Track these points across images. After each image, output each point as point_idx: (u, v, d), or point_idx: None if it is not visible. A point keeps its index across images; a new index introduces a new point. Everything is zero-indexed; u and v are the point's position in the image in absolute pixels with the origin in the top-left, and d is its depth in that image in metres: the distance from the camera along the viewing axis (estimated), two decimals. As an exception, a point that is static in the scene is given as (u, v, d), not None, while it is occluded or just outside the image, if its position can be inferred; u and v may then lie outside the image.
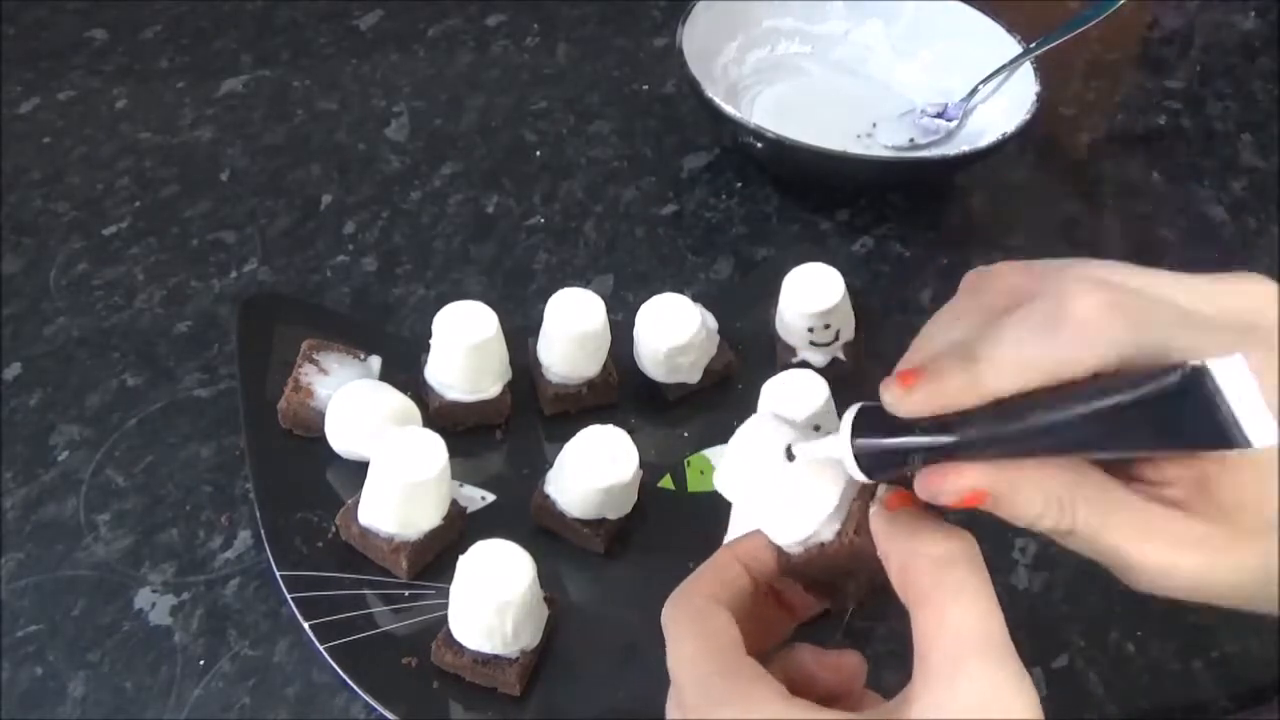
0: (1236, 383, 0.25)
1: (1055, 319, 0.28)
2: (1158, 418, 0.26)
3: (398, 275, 0.68)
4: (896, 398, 0.29)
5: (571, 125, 0.81)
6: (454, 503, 0.52)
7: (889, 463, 0.31)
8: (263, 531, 0.51)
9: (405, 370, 0.58)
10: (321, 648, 0.48)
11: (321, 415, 0.54)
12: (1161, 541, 0.29)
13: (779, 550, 0.36)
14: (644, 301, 0.59)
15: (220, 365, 0.61)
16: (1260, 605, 0.31)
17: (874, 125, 0.81)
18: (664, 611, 0.35)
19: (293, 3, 0.92)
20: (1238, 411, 0.25)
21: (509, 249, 0.71)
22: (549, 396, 0.58)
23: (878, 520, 0.32)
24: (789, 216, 0.75)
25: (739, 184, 0.77)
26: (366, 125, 0.80)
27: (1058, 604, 0.54)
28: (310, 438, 0.55)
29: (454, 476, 0.52)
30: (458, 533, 0.52)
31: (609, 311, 0.57)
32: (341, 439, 0.54)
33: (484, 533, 0.47)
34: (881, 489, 0.33)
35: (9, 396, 0.59)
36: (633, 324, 0.59)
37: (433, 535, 0.51)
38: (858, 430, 0.32)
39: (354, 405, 0.53)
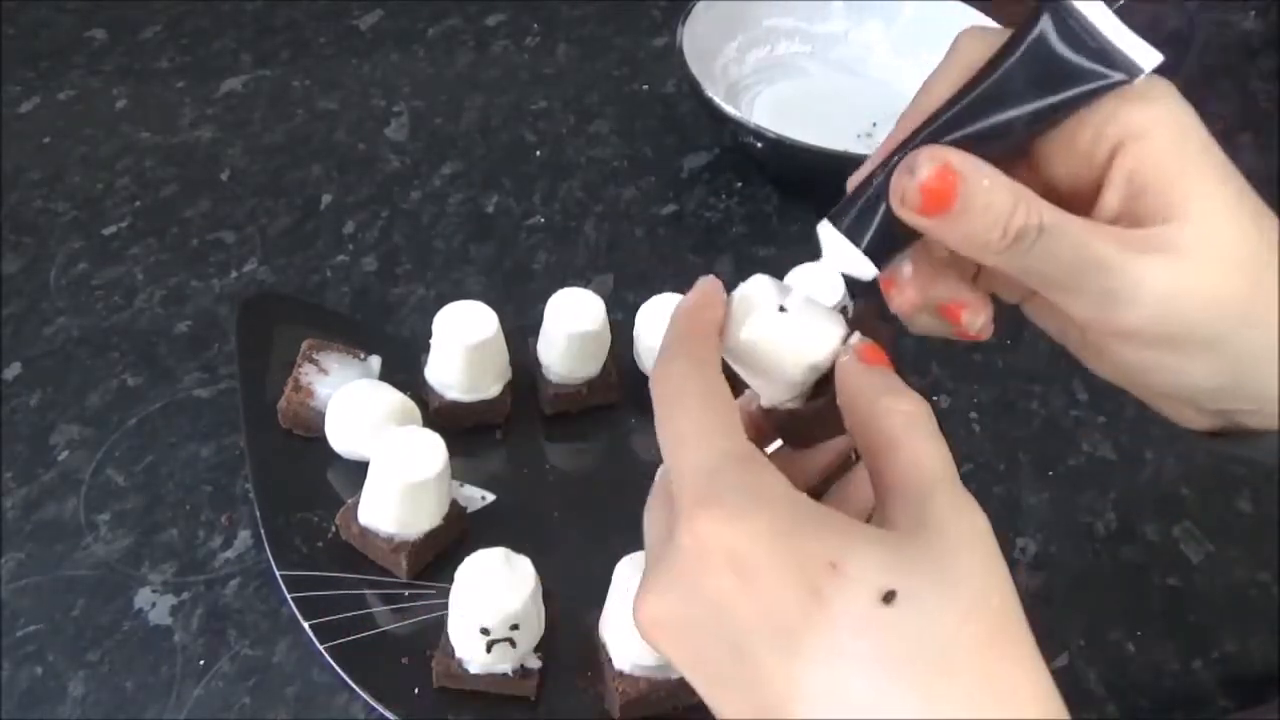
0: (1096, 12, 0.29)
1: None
2: (1046, 67, 0.30)
3: (398, 275, 0.68)
4: (863, 168, 0.33)
5: (571, 125, 0.81)
6: (454, 503, 0.52)
7: (886, 235, 0.32)
8: (263, 531, 0.51)
9: (405, 370, 0.58)
10: (321, 648, 0.48)
11: (321, 415, 0.54)
12: (1135, 241, 0.30)
13: (764, 413, 0.35)
14: (644, 301, 0.59)
15: (220, 365, 0.61)
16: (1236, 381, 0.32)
17: (874, 125, 0.81)
18: (662, 378, 0.31)
19: (293, 3, 0.92)
20: (1108, 35, 0.29)
21: (509, 249, 0.71)
22: (549, 396, 0.58)
23: (847, 370, 0.32)
24: (789, 216, 0.75)
25: (739, 184, 0.77)
26: (366, 125, 0.80)
27: (1058, 604, 0.54)
28: (310, 438, 0.55)
29: (454, 476, 0.52)
30: (458, 533, 0.52)
31: (609, 311, 0.57)
32: (341, 439, 0.54)
33: (484, 533, 0.47)
34: (855, 338, 0.33)
35: (9, 396, 0.59)
36: (633, 324, 0.59)
37: (433, 535, 0.51)
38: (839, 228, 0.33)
39: (354, 405, 0.53)
